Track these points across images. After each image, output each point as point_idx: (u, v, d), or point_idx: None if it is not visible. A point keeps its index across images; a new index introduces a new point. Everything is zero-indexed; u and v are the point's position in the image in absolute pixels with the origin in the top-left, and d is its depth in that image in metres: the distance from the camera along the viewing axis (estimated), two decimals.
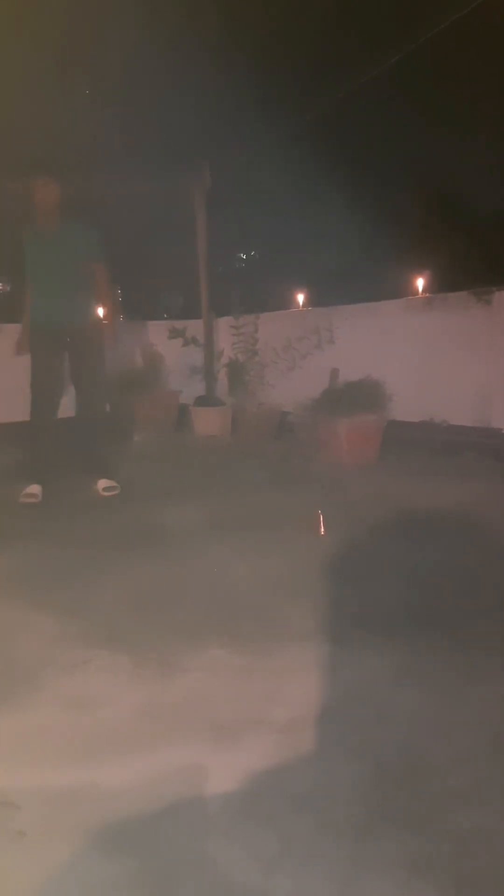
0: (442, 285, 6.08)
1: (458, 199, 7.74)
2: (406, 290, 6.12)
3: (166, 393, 7.73)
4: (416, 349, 5.82)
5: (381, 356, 5.94)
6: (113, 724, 1.88)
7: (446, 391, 5.59)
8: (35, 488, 4.40)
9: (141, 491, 4.66)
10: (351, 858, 1.37)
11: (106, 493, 4.51)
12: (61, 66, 5.89)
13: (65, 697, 2.02)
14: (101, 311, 4.67)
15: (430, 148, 8.07)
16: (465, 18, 5.47)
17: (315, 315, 6.88)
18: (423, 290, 5.98)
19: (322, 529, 3.51)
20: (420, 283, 5.99)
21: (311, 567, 3.05)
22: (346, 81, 7.15)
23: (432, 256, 6.74)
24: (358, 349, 6.23)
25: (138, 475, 5.08)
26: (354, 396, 5.47)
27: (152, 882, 1.34)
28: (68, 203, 4.39)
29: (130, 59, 5.72)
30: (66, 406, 4.60)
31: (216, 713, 1.91)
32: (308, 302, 7.26)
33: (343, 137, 8.47)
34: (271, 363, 7.02)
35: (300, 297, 7.25)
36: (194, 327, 7.76)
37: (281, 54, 6.39)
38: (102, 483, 4.55)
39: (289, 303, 7.36)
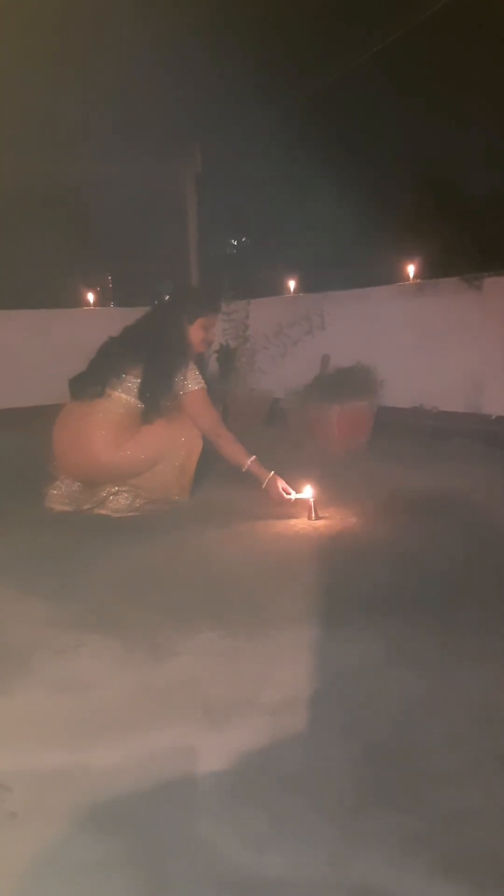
0: (433, 271, 6.05)
1: (449, 184, 7.70)
2: (397, 276, 6.10)
3: None
4: (407, 335, 5.81)
5: (373, 342, 5.93)
6: (104, 707, 1.88)
7: (437, 377, 5.59)
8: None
9: None
10: (342, 836, 1.38)
11: None
12: (48, 48, 5.80)
13: (56, 681, 2.02)
14: None
15: (422, 133, 8.02)
16: (459, 1, 5.43)
17: (306, 301, 6.86)
18: (415, 276, 5.96)
19: (313, 514, 3.51)
20: (411, 268, 5.97)
21: (302, 551, 3.06)
22: (338, 64, 7.09)
23: (423, 242, 6.71)
24: (349, 335, 6.22)
25: None
26: (345, 382, 5.48)
27: (144, 862, 1.34)
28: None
29: (120, 40, 5.64)
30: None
31: (207, 695, 1.91)
32: (299, 288, 7.23)
33: (335, 122, 8.40)
34: (262, 349, 7.00)
35: (291, 283, 7.22)
36: None
37: (273, 37, 6.32)
38: None
39: (280, 289, 7.32)
